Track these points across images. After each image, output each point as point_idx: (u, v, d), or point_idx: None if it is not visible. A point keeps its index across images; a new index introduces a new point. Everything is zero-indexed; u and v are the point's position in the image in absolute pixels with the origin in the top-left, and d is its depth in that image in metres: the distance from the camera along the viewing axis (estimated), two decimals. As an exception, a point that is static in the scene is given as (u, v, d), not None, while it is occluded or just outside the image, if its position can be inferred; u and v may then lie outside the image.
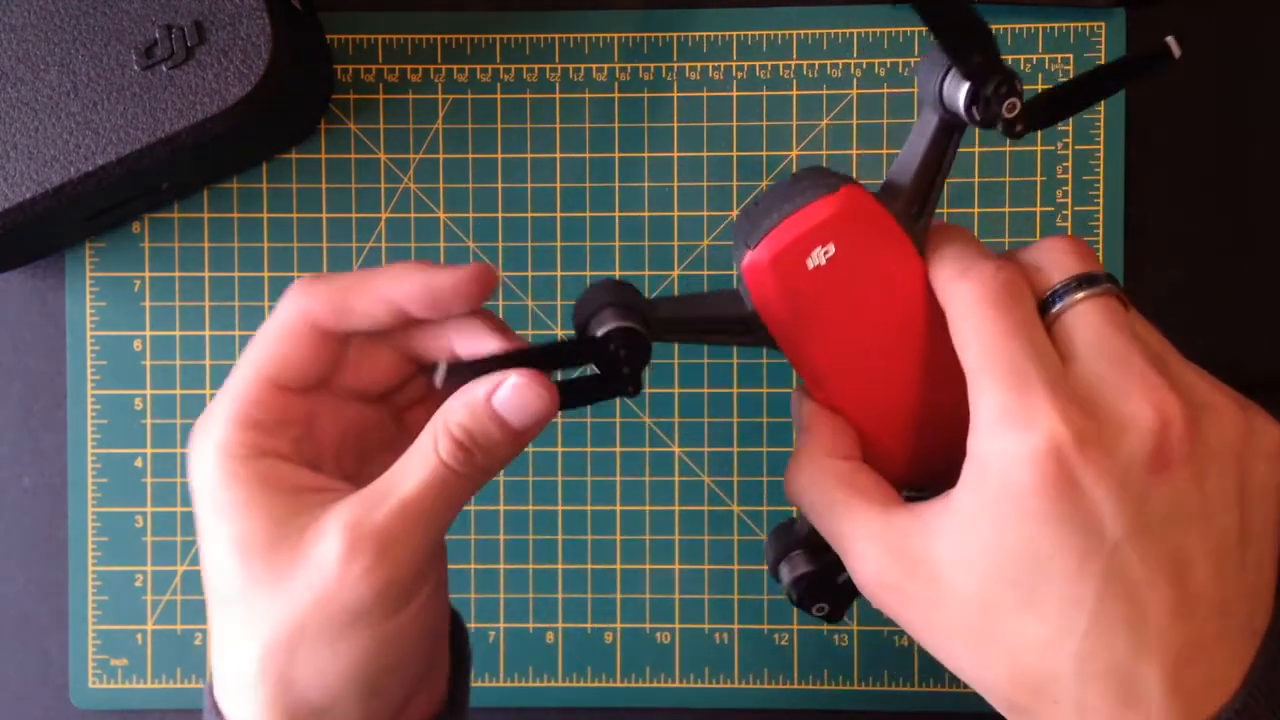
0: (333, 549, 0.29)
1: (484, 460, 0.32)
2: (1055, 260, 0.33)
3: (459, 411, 0.32)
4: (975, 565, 0.31)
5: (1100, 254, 0.52)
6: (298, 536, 0.30)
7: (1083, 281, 0.33)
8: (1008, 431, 0.30)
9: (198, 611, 0.54)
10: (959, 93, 0.33)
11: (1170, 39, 0.36)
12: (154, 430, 0.54)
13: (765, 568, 0.53)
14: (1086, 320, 0.32)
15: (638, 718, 0.53)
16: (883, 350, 0.36)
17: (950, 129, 0.35)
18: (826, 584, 0.38)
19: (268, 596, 0.30)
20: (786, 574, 0.39)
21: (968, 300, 0.32)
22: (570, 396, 0.35)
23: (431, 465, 0.31)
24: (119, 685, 0.53)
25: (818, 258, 0.34)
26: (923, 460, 0.37)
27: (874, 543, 0.33)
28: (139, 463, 0.54)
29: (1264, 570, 0.32)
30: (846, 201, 0.34)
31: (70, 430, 0.54)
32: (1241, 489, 0.31)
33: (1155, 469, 0.30)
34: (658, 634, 0.53)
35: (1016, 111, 0.33)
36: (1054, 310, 0.33)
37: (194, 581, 0.54)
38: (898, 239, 0.35)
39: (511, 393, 0.32)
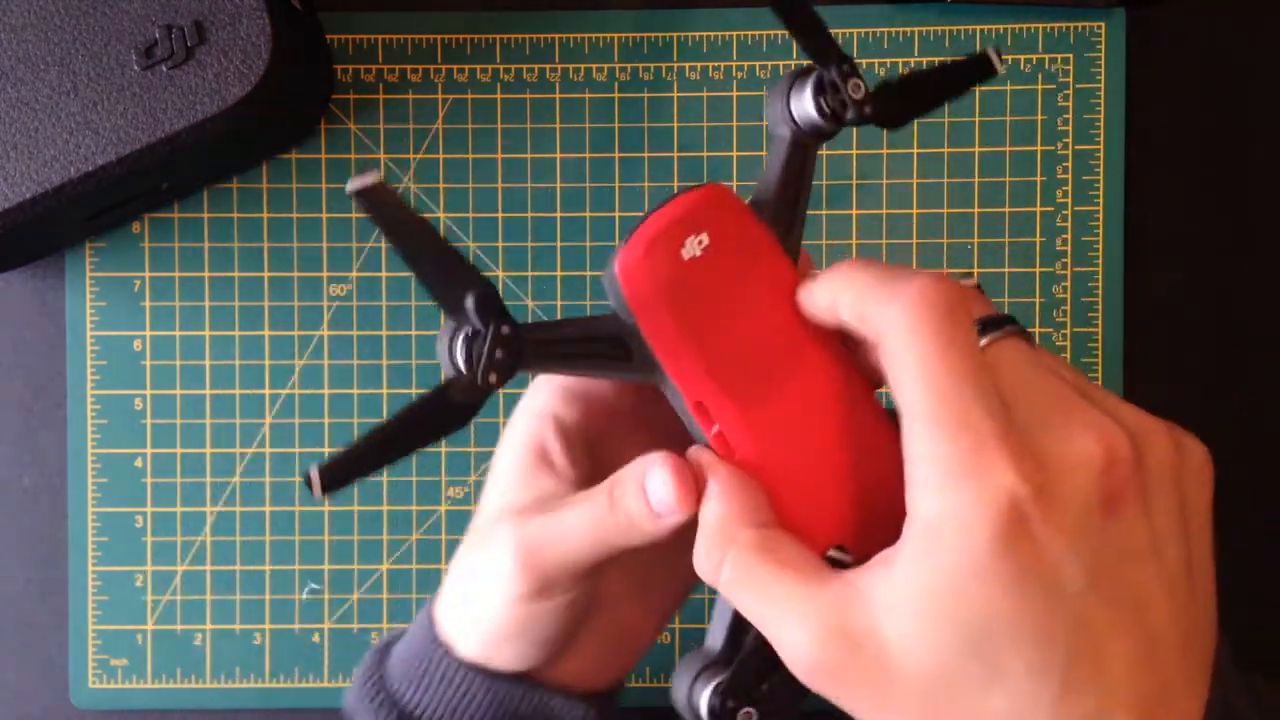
0: (507, 557, 0.36)
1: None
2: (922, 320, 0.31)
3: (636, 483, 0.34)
4: (930, 639, 0.28)
5: (1100, 254, 0.52)
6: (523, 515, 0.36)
7: (989, 324, 0.30)
8: (960, 489, 0.28)
9: (198, 611, 0.54)
10: (806, 91, 0.34)
11: (991, 51, 0.36)
12: (154, 430, 0.54)
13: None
14: (1012, 358, 0.30)
15: (637, 718, 0.53)
16: (773, 371, 0.33)
17: (801, 144, 0.35)
18: (748, 687, 0.32)
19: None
20: (702, 695, 0.33)
21: (904, 326, 0.29)
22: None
23: (594, 519, 0.35)
24: (119, 685, 0.53)
25: (692, 247, 0.33)
26: (835, 514, 0.33)
27: (807, 622, 0.29)
28: (139, 463, 0.54)
29: (1209, 596, 0.30)
30: (713, 192, 0.33)
31: (70, 430, 0.54)
32: (1182, 515, 0.30)
33: (1108, 509, 0.28)
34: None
35: (862, 92, 0.33)
36: (991, 337, 0.30)
37: (194, 581, 0.54)
38: (768, 241, 0.34)
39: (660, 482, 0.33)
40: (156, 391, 0.54)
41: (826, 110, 0.34)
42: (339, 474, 0.32)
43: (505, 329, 0.31)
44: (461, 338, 0.31)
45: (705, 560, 0.32)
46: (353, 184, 0.30)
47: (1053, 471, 0.28)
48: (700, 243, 0.33)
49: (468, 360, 0.31)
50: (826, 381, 0.34)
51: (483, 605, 0.37)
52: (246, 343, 0.54)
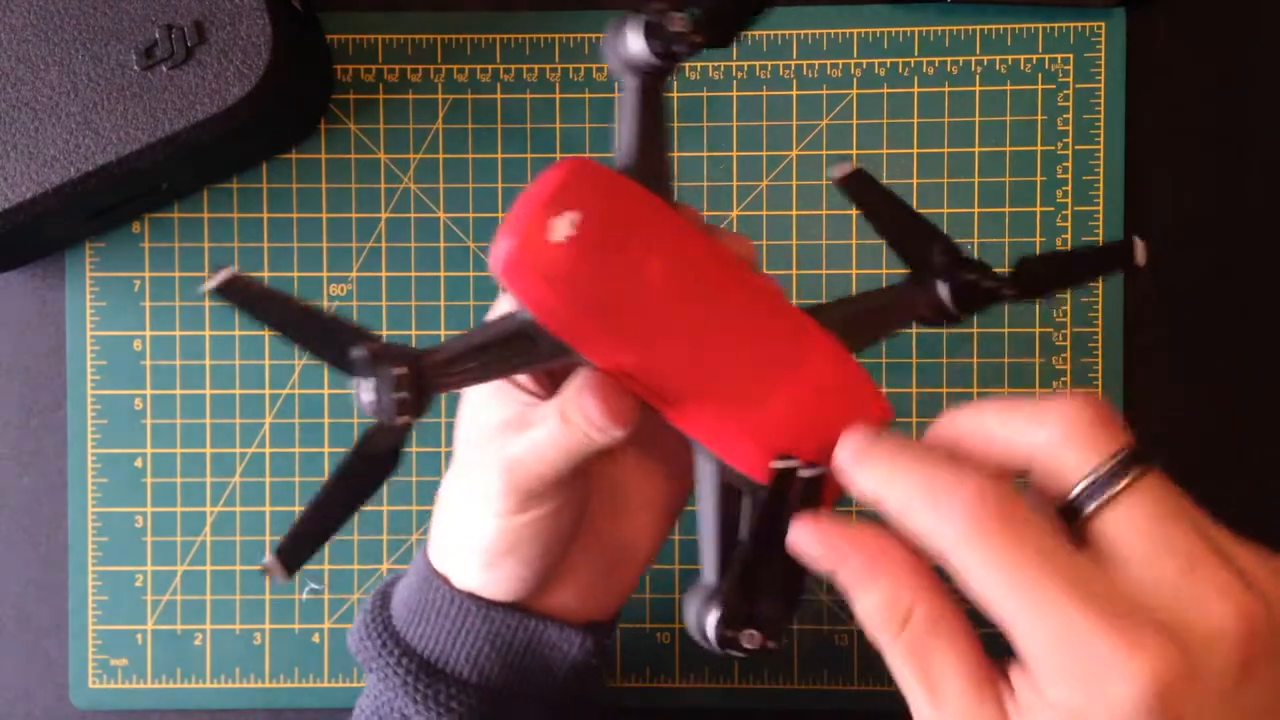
0: (492, 474, 0.36)
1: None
2: (1069, 445, 0.29)
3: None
4: None
5: (1100, 254, 0.52)
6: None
7: (1116, 470, 0.29)
8: (1092, 684, 0.27)
9: (198, 611, 0.54)
10: (639, 32, 0.33)
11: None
12: (154, 430, 0.54)
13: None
14: (1134, 520, 0.28)
15: (638, 718, 0.53)
16: (685, 312, 0.33)
17: (646, 88, 0.34)
18: (742, 614, 0.34)
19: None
20: (708, 626, 0.34)
21: (967, 548, 0.29)
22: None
23: (556, 432, 0.35)
24: (119, 685, 0.53)
25: (564, 229, 0.32)
26: (773, 423, 0.33)
27: None
28: (139, 463, 0.54)
29: None
30: (570, 165, 0.33)
31: (70, 430, 0.54)
32: None
33: (1245, 675, 0.27)
34: (658, 634, 0.53)
35: (689, 24, 0.33)
36: (1087, 512, 0.29)
37: (194, 581, 0.54)
38: (644, 198, 0.33)
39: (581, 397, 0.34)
40: (156, 391, 0.54)
41: (658, 47, 0.33)
42: (295, 554, 0.31)
43: (398, 370, 0.31)
44: (363, 391, 0.31)
45: (880, 632, 0.31)
46: (209, 283, 0.31)
47: (1193, 647, 0.27)
48: (572, 221, 0.32)
49: (376, 409, 0.31)
50: (743, 305, 0.33)
51: (472, 527, 0.37)
52: (246, 343, 0.54)
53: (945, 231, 0.36)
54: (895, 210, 0.35)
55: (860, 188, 0.35)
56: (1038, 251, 0.53)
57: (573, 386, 0.34)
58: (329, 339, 0.32)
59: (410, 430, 0.31)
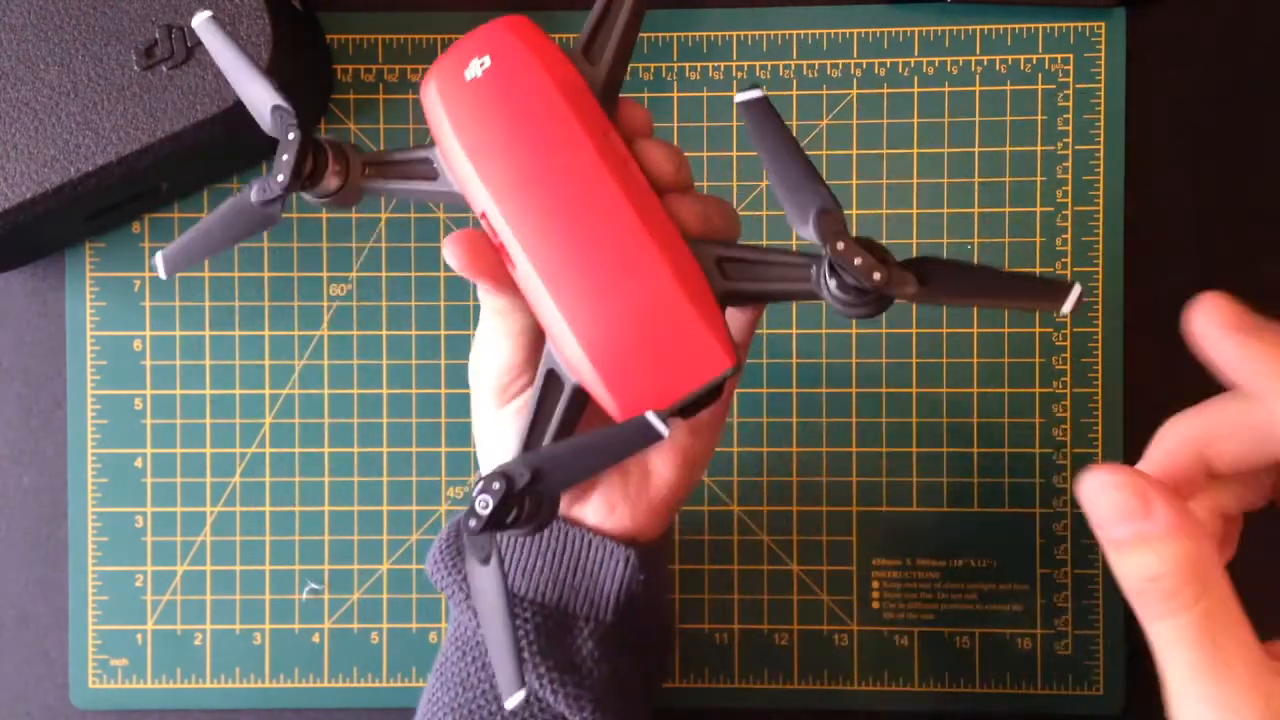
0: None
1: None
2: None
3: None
4: None
5: (1100, 254, 0.52)
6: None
7: None
8: None
9: (198, 611, 0.54)
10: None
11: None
12: (154, 430, 0.54)
13: (763, 567, 0.53)
14: None
15: (638, 718, 0.53)
16: (560, 191, 0.34)
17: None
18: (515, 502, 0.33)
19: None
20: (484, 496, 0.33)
21: (1178, 655, 0.28)
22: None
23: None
24: (119, 685, 0.53)
25: (474, 69, 0.35)
26: (613, 321, 0.34)
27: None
28: (139, 463, 0.54)
29: None
30: (510, 20, 0.36)
31: (70, 430, 0.54)
32: None
33: None
34: (658, 634, 0.53)
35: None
36: None
37: (194, 581, 0.54)
38: (563, 69, 0.35)
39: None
40: (156, 391, 0.54)
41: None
42: (177, 264, 0.37)
43: (325, 147, 0.36)
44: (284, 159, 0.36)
45: (1154, 600, 0.29)
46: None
47: None
48: (483, 64, 0.35)
49: (294, 173, 0.35)
50: (599, 206, 0.34)
51: (482, 371, 0.40)
52: (246, 343, 0.54)
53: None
54: (788, 156, 0.33)
55: (758, 121, 0.34)
56: (1038, 248, 0.53)
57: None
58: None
59: (292, 192, 0.36)
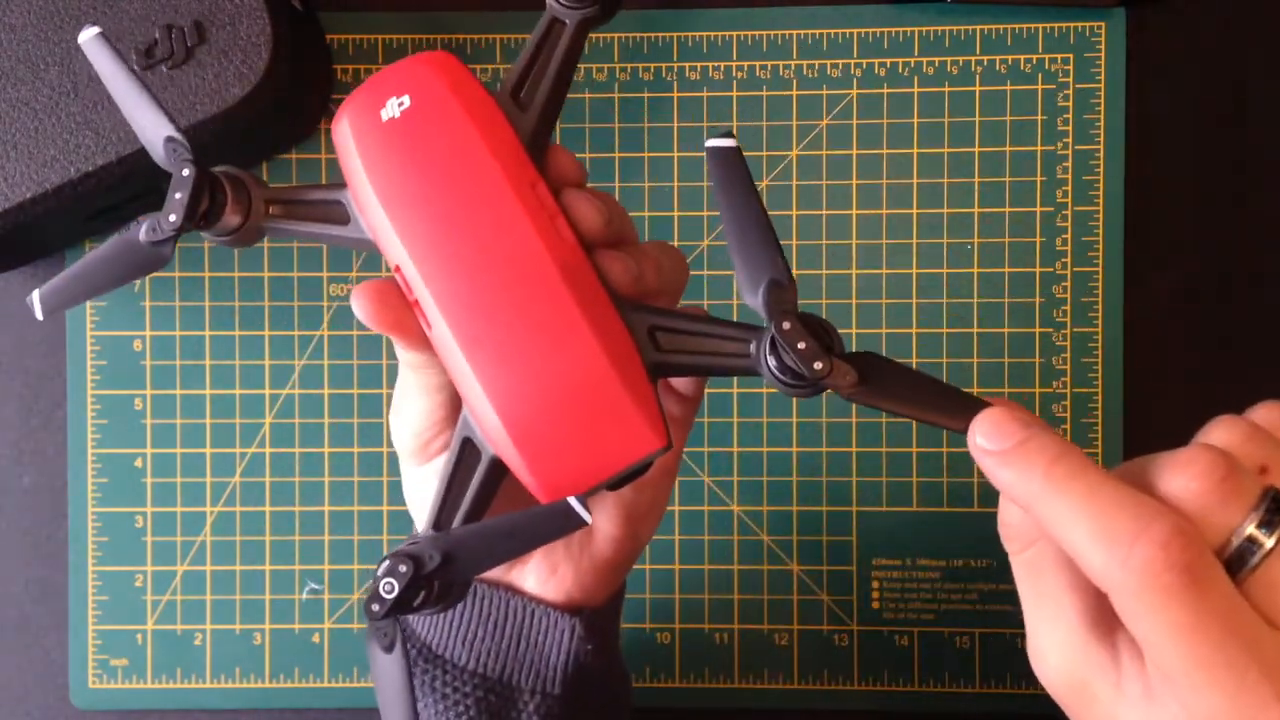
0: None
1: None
2: (1217, 492, 0.28)
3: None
4: None
5: (1100, 254, 0.52)
6: None
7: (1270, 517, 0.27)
8: None
9: (198, 611, 0.54)
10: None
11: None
12: (154, 430, 0.54)
13: (762, 567, 0.53)
14: None
15: (638, 717, 0.53)
16: (477, 242, 0.32)
17: (555, 22, 0.34)
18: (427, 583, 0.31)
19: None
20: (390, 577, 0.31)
21: (1142, 600, 0.27)
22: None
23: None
24: (119, 685, 0.53)
25: (391, 109, 0.32)
26: (532, 391, 0.32)
27: (1063, 650, 0.30)
28: (139, 463, 0.54)
29: None
30: (431, 57, 0.33)
31: (70, 430, 0.54)
32: None
33: None
34: (658, 634, 0.53)
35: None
36: (1251, 564, 0.27)
37: (194, 581, 0.54)
38: (485, 109, 0.33)
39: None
40: (156, 391, 0.54)
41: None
42: (54, 303, 0.34)
43: (223, 183, 0.33)
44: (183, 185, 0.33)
45: (1020, 464, 0.29)
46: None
47: None
48: (401, 104, 0.33)
49: (189, 213, 0.33)
50: (529, 255, 0.32)
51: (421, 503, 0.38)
52: (246, 343, 0.54)
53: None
54: (750, 218, 0.31)
55: (724, 172, 0.32)
56: (1038, 248, 0.53)
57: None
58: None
59: (180, 234, 0.33)
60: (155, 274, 0.54)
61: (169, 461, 0.54)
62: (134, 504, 0.54)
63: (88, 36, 0.34)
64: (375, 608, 0.30)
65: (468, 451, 0.33)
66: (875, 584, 0.53)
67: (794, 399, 0.42)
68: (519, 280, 0.32)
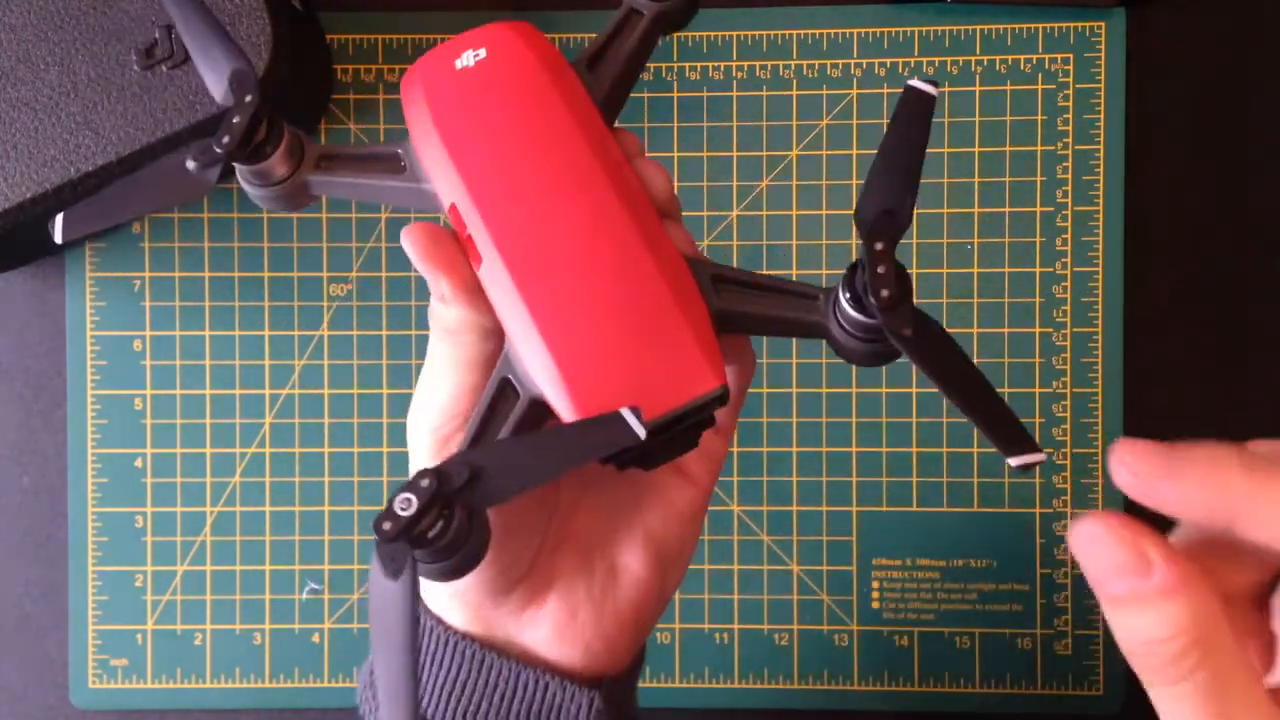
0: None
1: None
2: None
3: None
4: None
5: (1100, 254, 0.52)
6: None
7: None
8: None
9: (198, 611, 0.54)
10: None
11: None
12: (154, 430, 0.54)
13: (762, 567, 0.53)
14: None
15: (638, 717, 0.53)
16: (542, 195, 0.31)
17: (635, 17, 0.35)
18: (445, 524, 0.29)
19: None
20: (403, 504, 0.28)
21: None
22: None
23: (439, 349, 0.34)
24: (119, 685, 0.53)
25: (467, 59, 0.33)
26: (606, 351, 0.30)
27: None
28: (139, 463, 0.54)
29: None
30: (514, 24, 0.34)
31: (70, 430, 0.54)
32: None
33: None
34: (658, 634, 0.53)
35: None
36: None
37: (194, 581, 0.54)
38: (563, 73, 0.33)
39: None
40: (156, 391, 0.54)
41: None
42: (84, 218, 0.33)
43: (281, 124, 0.32)
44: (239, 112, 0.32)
45: (1154, 665, 0.27)
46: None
47: None
48: (477, 55, 0.33)
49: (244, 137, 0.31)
50: (594, 191, 0.31)
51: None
52: (246, 343, 0.54)
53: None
54: (903, 151, 0.31)
55: (909, 110, 0.31)
56: (1038, 248, 0.53)
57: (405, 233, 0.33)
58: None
59: (235, 160, 0.32)
60: (155, 274, 0.54)
61: (169, 461, 0.54)
62: (134, 504, 0.54)
63: None
64: (386, 526, 0.27)
65: (506, 393, 0.31)
66: (875, 584, 0.53)
67: (853, 367, 0.40)
68: (581, 215, 0.31)
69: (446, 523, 0.28)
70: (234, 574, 0.54)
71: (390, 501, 0.27)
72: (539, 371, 0.30)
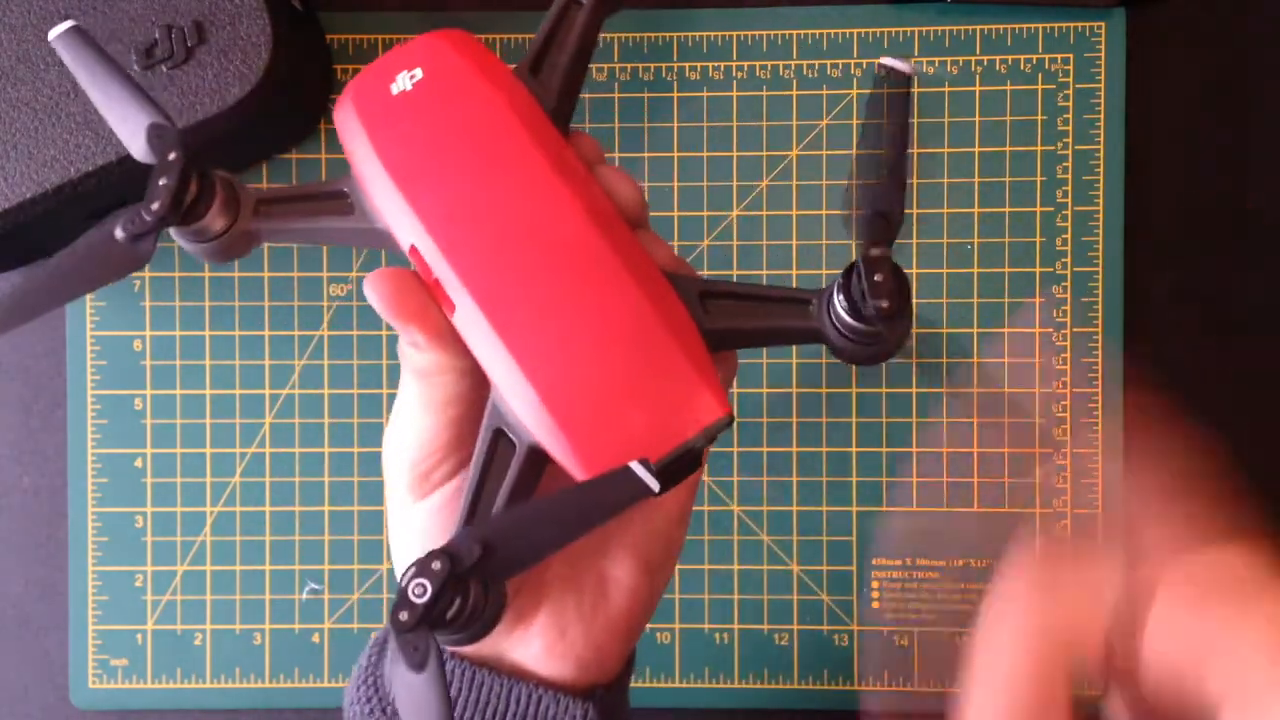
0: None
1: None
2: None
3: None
4: None
5: (1100, 254, 0.52)
6: None
7: None
8: None
9: (198, 611, 0.54)
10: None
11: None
12: (154, 430, 0.54)
13: (762, 567, 0.53)
14: None
15: (637, 717, 0.53)
16: (505, 219, 0.29)
17: (595, 11, 0.33)
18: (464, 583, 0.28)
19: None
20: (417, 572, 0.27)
21: None
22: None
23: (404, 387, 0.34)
24: (119, 685, 0.53)
25: (402, 82, 0.30)
26: (594, 380, 0.29)
27: None
28: (139, 463, 0.54)
29: None
30: (446, 33, 0.31)
31: (70, 430, 0.54)
32: None
33: None
34: (658, 634, 0.53)
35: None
36: None
37: (194, 581, 0.54)
38: (509, 85, 0.31)
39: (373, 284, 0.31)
40: (156, 391, 0.54)
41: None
42: (14, 313, 0.30)
43: (212, 176, 0.30)
44: (158, 178, 0.29)
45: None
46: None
47: None
48: (413, 77, 0.30)
49: (149, 193, 0.29)
50: (564, 218, 0.29)
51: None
52: (246, 343, 0.54)
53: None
54: (895, 151, 0.30)
55: (895, 101, 0.30)
56: (1038, 248, 0.53)
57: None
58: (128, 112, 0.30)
59: (158, 233, 0.29)
60: (155, 274, 0.54)
61: (169, 461, 0.54)
62: (134, 504, 0.54)
63: (59, 31, 0.31)
64: (404, 616, 0.26)
65: (500, 444, 0.30)
66: (875, 584, 0.53)
67: (851, 367, 0.39)
68: (554, 245, 0.29)
69: (464, 600, 0.27)
70: (234, 574, 0.54)
71: (403, 589, 0.26)
72: (533, 422, 0.29)
